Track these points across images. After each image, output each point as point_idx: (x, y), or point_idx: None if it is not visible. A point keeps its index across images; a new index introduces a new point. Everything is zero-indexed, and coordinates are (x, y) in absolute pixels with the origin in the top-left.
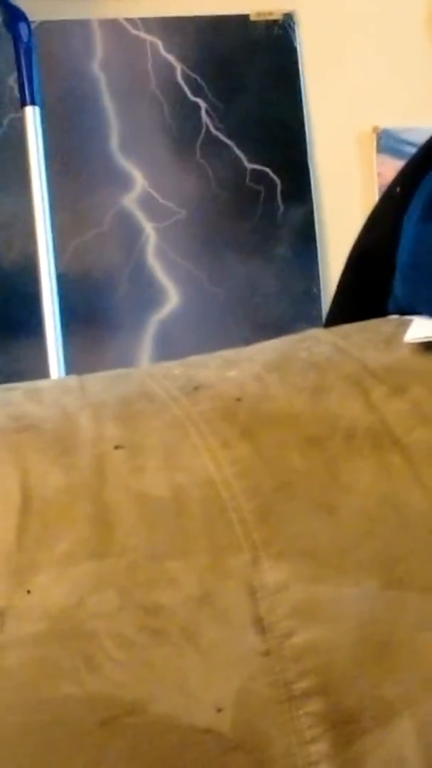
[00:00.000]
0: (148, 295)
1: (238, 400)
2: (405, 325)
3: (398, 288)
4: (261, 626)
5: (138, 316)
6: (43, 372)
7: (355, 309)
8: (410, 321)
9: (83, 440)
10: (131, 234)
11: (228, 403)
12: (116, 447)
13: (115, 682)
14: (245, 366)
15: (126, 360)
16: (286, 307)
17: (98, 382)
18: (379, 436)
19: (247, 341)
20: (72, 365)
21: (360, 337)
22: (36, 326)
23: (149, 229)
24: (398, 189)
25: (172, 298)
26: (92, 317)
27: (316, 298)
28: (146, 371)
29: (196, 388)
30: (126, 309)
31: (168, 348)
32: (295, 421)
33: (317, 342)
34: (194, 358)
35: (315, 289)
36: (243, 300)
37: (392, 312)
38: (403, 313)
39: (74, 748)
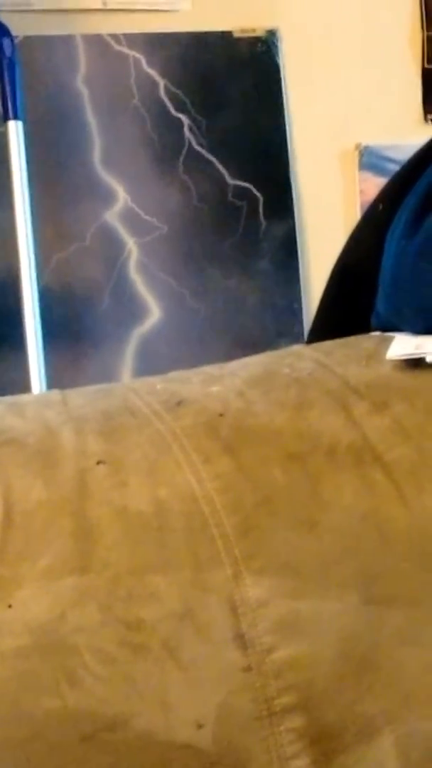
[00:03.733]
0: (129, 309)
1: (221, 415)
2: (387, 342)
3: (380, 304)
4: (242, 641)
5: (119, 331)
6: (24, 385)
7: (337, 325)
8: (392, 338)
9: (65, 455)
10: (113, 249)
11: (210, 419)
12: (98, 462)
13: (96, 697)
14: (228, 381)
15: (107, 374)
16: (267, 323)
17: (81, 396)
18: (361, 452)
19: (229, 356)
20: (53, 379)
21: (342, 353)
22: (17, 340)
23: (131, 243)
24: (381, 206)
25: (154, 312)
26: (74, 331)
27: (297, 314)
28: (129, 386)
29: (178, 404)
30: (108, 323)
31: (149, 362)
32: (277, 436)
33: (299, 358)
34: (177, 374)
35: (296, 305)
36: (224, 315)
37: (374, 328)
38: (385, 329)
39: (54, 763)
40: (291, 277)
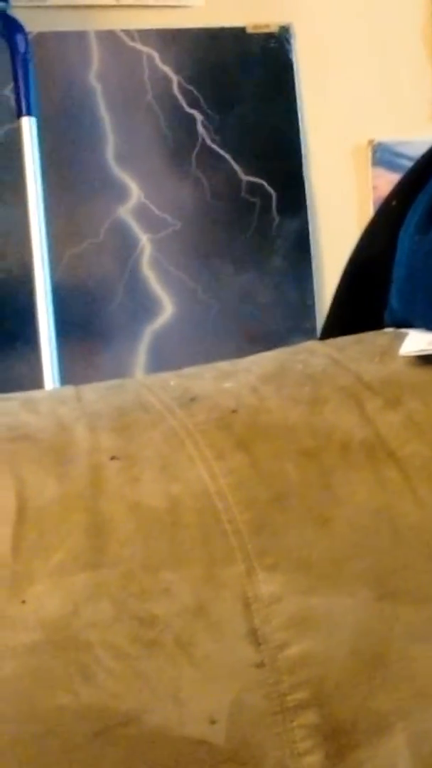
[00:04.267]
0: (142, 305)
1: (234, 411)
2: (400, 338)
3: (394, 301)
4: (255, 638)
5: (132, 327)
6: (37, 381)
7: (350, 321)
8: (405, 334)
9: (79, 450)
10: (126, 245)
11: (224, 415)
12: (112, 457)
13: (109, 692)
14: (241, 377)
15: (120, 370)
16: (280, 319)
17: (94, 392)
18: (374, 448)
19: (241, 352)
20: (66, 375)
21: (355, 349)
22: (30, 336)
23: (144, 240)
24: (395, 202)
25: (167, 308)
26: (87, 327)
27: (310, 310)
28: (142, 382)
29: (192, 400)
30: (120, 319)
31: (162, 358)
32: (290, 432)
33: (313, 354)
34: (190, 370)
35: (309, 302)
36: (237, 311)
37: (388, 325)
38: (398, 325)
39: (68, 759)
40: (303, 273)
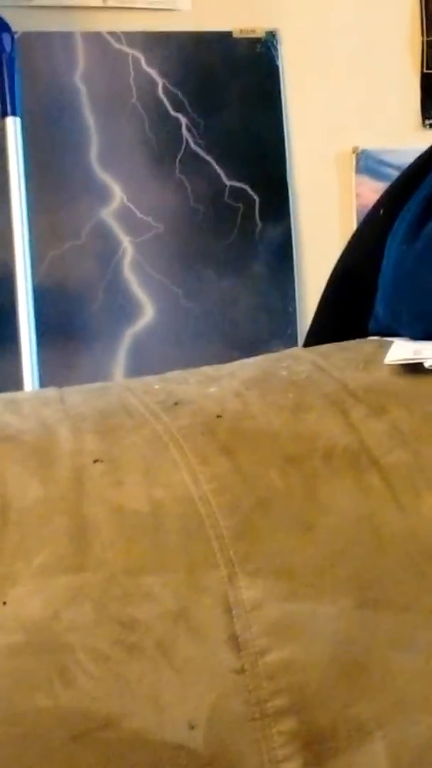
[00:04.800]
0: (123, 308)
1: (218, 416)
2: (385, 347)
3: (380, 309)
4: (236, 643)
5: (113, 329)
6: (17, 382)
7: (335, 328)
8: (390, 342)
9: (62, 453)
10: (108, 247)
11: (208, 420)
12: (95, 460)
13: (89, 695)
14: (225, 383)
15: (100, 372)
16: (261, 325)
17: (78, 394)
18: (358, 456)
19: (222, 357)
20: (46, 376)
21: (340, 357)
22: (11, 337)
23: (126, 242)
24: (382, 211)
25: (148, 312)
26: (67, 329)
27: (291, 316)
28: (126, 385)
29: (176, 404)
30: (101, 322)
31: (142, 361)
32: (274, 439)
33: (297, 361)
34: (174, 374)
35: (290, 308)
36: (218, 316)
37: (373, 333)
38: (383, 334)
39: (46, 762)
40: (286, 279)
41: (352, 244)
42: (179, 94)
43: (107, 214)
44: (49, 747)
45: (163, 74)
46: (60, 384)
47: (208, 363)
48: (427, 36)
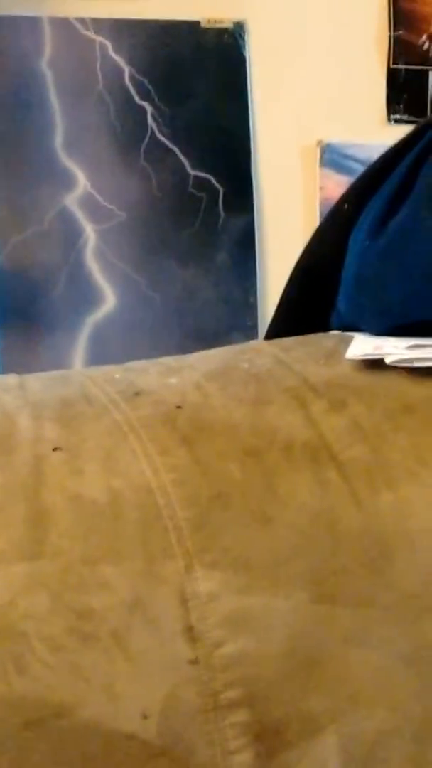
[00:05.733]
0: (84, 296)
1: (178, 407)
2: (346, 342)
3: (342, 304)
4: (191, 634)
5: (74, 317)
6: None
7: (297, 322)
8: (351, 337)
9: (22, 440)
10: (71, 234)
11: (168, 410)
12: (55, 449)
13: (43, 683)
14: (186, 374)
15: (60, 359)
16: (222, 315)
17: (38, 382)
18: (317, 450)
19: (182, 347)
20: (5, 362)
21: (301, 351)
22: None
23: (89, 230)
24: (346, 206)
25: (109, 300)
26: (28, 315)
27: (252, 308)
28: (87, 374)
29: (136, 394)
30: (62, 308)
31: (102, 349)
32: (234, 431)
33: (259, 354)
34: (135, 364)
35: (252, 299)
36: (179, 306)
37: (335, 327)
38: (345, 329)
39: None
40: (248, 271)
41: (315, 238)
42: (146, 82)
43: (71, 201)
44: (1, 734)
45: (130, 62)
46: (20, 371)
47: (169, 352)
48: (395, 31)
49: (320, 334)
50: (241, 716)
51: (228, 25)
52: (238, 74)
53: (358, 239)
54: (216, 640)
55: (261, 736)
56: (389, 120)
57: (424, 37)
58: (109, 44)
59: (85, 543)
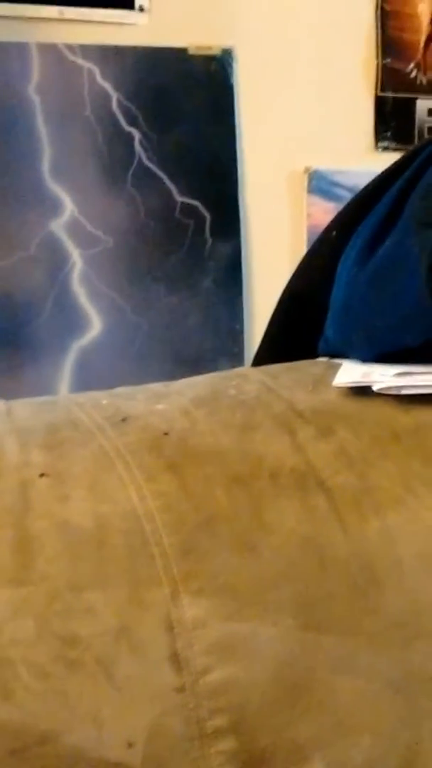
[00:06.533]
0: (70, 321)
1: (166, 434)
2: (334, 369)
3: (329, 330)
4: (177, 662)
5: (59, 342)
6: None
7: (284, 348)
8: (339, 364)
9: (8, 465)
10: (57, 259)
11: (155, 437)
12: (41, 474)
13: (28, 711)
14: (174, 400)
15: (45, 385)
16: (208, 342)
17: (25, 407)
18: (304, 477)
19: (168, 373)
20: None
21: (289, 377)
22: None
23: (76, 255)
24: (334, 233)
25: (95, 325)
26: (13, 340)
27: (238, 335)
28: (74, 400)
29: (123, 420)
30: (48, 334)
31: (88, 375)
32: (221, 458)
33: (246, 380)
34: (122, 390)
35: (238, 326)
36: (165, 332)
37: (322, 354)
38: (332, 355)
39: None
40: (234, 298)
41: (303, 265)
42: (133, 108)
43: (57, 226)
44: None
45: (118, 88)
46: (5, 397)
47: (155, 378)
48: (383, 59)
49: (308, 361)
50: (227, 744)
51: (216, 52)
52: (225, 101)
53: (345, 266)
54: (202, 668)
55: (247, 763)
56: (377, 147)
57: (412, 64)
58: (96, 70)
59: (72, 569)
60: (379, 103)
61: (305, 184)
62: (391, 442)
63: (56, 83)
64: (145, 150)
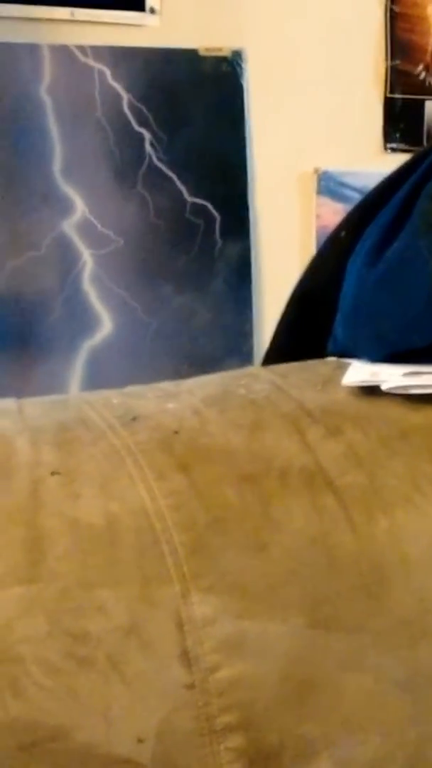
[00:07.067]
0: (81, 321)
1: (176, 432)
2: (343, 368)
3: (339, 330)
4: (187, 659)
5: (70, 342)
6: None
7: (294, 348)
8: (348, 364)
9: (20, 464)
10: (68, 259)
11: (165, 435)
12: (53, 473)
13: (39, 707)
14: (184, 399)
15: (56, 384)
16: (217, 342)
17: (36, 406)
18: (313, 476)
19: (178, 372)
20: (2, 387)
21: (298, 377)
22: None
23: (87, 255)
24: (344, 233)
25: (106, 325)
26: (24, 340)
27: (248, 335)
28: (85, 398)
29: (134, 419)
30: (59, 334)
31: (98, 375)
32: (231, 457)
33: (256, 379)
34: (133, 389)
35: (247, 326)
36: (175, 332)
37: (331, 354)
38: (341, 355)
39: None
40: (243, 297)
41: (313, 265)
42: (144, 109)
43: (68, 226)
44: None
45: (129, 89)
46: (16, 394)
47: (165, 378)
48: (392, 61)
49: (317, 361)
50: (236, 741)
51: (226, 53)
52: (235, 102)
53: (355, 267)
54: (212, 665)
55: (256, 761)
56: (386, 148)
57: (421, 66)
58: (107, 71)
59: (82, 567)
60: (389, 105)
61: (315, 184)
62: (399, 442)
63: (67, 84)
64: (156, 150)
